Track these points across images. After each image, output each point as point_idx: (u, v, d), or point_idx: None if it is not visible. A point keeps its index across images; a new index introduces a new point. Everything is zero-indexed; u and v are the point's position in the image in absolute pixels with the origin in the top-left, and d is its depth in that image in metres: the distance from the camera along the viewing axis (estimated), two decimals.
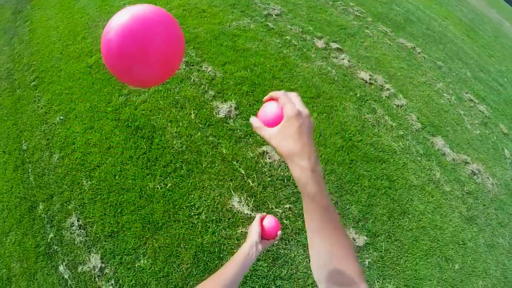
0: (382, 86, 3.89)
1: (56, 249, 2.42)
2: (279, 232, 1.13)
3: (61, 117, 3.19)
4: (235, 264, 0.91)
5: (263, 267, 2.26)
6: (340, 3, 5.38)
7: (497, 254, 2.88)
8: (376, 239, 2.56)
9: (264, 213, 1.18)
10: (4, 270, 2.42)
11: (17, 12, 5.12)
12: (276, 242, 2.38)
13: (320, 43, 4.20)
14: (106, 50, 0.48)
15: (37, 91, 3.57)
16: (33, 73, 3.81)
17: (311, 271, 2.14)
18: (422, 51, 4.94)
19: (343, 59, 4.07)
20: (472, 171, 3.41)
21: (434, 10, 7.17)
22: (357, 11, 5.34)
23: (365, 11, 5.44)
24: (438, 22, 6.54)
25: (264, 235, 1.11)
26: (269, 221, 1.15)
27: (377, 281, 2.36)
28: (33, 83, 3.69)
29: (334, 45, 4.24)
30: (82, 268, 2.29)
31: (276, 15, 4.53)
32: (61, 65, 3.76)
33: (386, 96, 3.76)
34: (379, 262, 2.45)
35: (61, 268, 2.32)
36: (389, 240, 2.59)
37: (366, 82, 3.85)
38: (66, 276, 2.28)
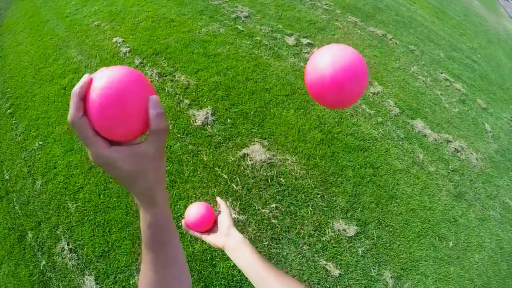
0: None
1: (50, 276, 2.40)
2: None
3: (40, 143, 3.15)
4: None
5: None
6: None
7: (489, 227, 2.94)
8: (367, 227, 2.59)
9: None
10: None
11: None
12: (267, 243, 2.39)
13: (291, 40, 4.23)
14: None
15: (13, 118, 3.53)
16: (8, 101, 3.76)
17: (305, 266, 2.15)
18: (393, 37, 5.01)
19: None
20: (455, 148, 3.47)
21: None
22: (325, 4, 5.39)
23: (333, 4, 5.50)
24: (407, 7, 6.64)
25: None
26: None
27: (373, 268, 2.39)
28: (9, 110, 3.64)
29: (305, 41, 4.27)
30: None
31: (244, 17, 4.55)
32: (35, 90, 3.72)
33: None
34: (372, 250, 2.48)
35: None
36: (380, 226, 2.62)
37: None
38: None
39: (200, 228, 0.90)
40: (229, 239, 0.85)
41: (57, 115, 3.35)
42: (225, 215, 0.92)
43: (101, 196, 2.67)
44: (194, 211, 0.91)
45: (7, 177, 3.04)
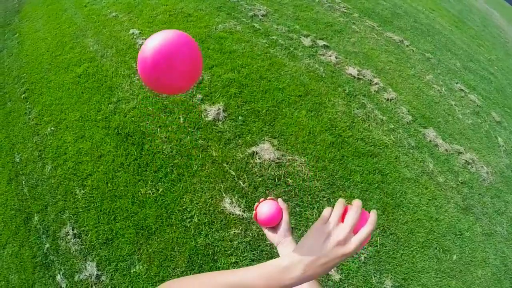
0: (370, 80, 3.90)
1: (53, 259, 2.43)
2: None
3: (52, 128, 3.20)
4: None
5: None
6: (326, 1, 5.39)
7: (495, 243, 2.88)
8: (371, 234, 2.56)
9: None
10: (3, 283, 2.43)
11: (5, 25, 5.13)
12: (269, 242, 2.38)
13: (307, 41, 4.21)
14: (142, 65, 0.63)
15: (27, 103, 3.58)
16: (23, 86, 3.82)
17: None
18: (410, 44, 4.95)
19: (330, 55, 4.08)
20: (466, 160, 3.41)
21: (421, 3, 7.18)
22: (343, 7, 5.35)
23: (352, 7, 5.45)
24: (426, 15, 6.55)
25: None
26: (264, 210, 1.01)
27: (374, 276, 2.36)
28: (23, 95, 3.70)
29: (321, 43, 4.25)
30: (79, 276, 2.30)
31: (262, 16, 4.54)
32: (51, 76, 3.77)
33: (375, 91, 3.77)
34: (375, 257, 2.45)
35: (58, 277, 2.33)
36: (384, 234, 2.59)
37: (355, 77, 3.86)
38: (63, 286, 2.29)
39: (267, 225, 0.99)
40: (284, 241, 0.95)
41: (70, 102, 3.39)
42: (286, 221, 1.00)
43: (109, 184, 2.69)
44: (267, 209, 0.99)
45: (17, 159, 3.09)
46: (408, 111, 3.65)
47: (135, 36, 4.05)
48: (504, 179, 3.49)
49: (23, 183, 2.91)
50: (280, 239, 0.97)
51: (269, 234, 1.00)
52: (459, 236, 2.78)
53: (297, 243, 0.82)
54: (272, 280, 0.54)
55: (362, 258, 2.41)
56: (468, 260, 2.66)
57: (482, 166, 3.46)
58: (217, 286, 0.56)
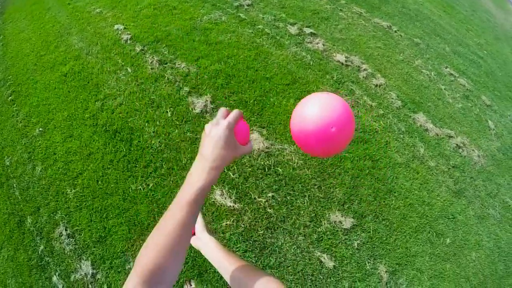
0: (359, 67, 3.88)
1: (48, 260, 2.44)
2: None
3: (40, 129, 3.17)
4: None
5: (250, 257, 2.28)
6: None
7: (488, 225, 2.90)
8: (363, 220, 2.57)
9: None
10: (0, 287, 2.42)
11: None
12: (262, 232, 2.39)
13: (293, 30, 4.18)
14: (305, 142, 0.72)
15: (14, 105, 3.54)
16: (10, 88, 3.77)
17: (299, 257, 2.15)
18: (398, 30, 4.93)
19: (317, 43, 4.05)
20: (457, 144, 3.42)
21: None
22: None
23: None
24: (414, 0, 6.52)
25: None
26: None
27: (368, 262, 2.38)
28: (10, 97, 3.65)
29: (307, 30, 4.21)
30: (75, 276, 2.31)
31: (247, 6, 4.49)
32: (37, 77, 3.73)
33: (363, 77, 3.76)
34: (368, 243, 2.47)
35: (54, 278, 2.34)
36: (377, 220, 2.61)
37: (343, 64, 3.84)
38: (60, 287, 2.31)
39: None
40: (200, 241, 0.98)
41: (57, 102, 3.35)
42: (198, 221, 1.03)
43: (99, 182, 2.68)
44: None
45: (7, 163, 3.06)
46: (398, 96, 3.65)
47: (119, 32, 3.99)
48: (495, 162, 3.52)
49: (14, 186, 2.89)
50: (196, 241, 1.00)
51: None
52: (452, 219, 2.81)
53: None
54: (191, 186, 0.63)
55: (356, 244, 2.43)
56: (461, 243, 2.69)
57: (473, 150, 3.48)
58: (169, 226, 0.62)
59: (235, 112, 0.67)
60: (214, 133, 0.65)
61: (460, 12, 7.33)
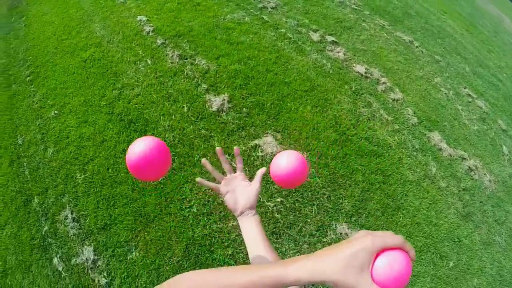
0: (378, 79, 3.86)
1: (51, 241, 2.44)
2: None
3: (55, 112, 3.19)
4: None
5: None
6: None
7: (493, 252, 2.85)
8: None
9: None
10: (0, 263, 2.43)
11: (12, 7, 5.10)
12: (267, 236, 2.37)
13: (315, 36, 4.17)
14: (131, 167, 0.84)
15: (32, 86, 3.58)
16: (29, 68, 3.81)
17: None
18: (420, 45, 4.89)
19: (338, 52, 4.03)
20: (469, 167, 3.37)
21: (433, 4, 7.09)
22: (354, 4, 5.28)
23: (363, 4, 5.38)
24: (437, 16, 6.46)
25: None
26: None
27: None
28: (28, 78, 3.69)
29: (329, 38, 4.20)
30: (76, 260, 2.31)
31: (271, 8, 4.49)
32: (56, 60, 3.76)
33: (382, 90, 3.73)
34: None
35: (55, 260, 2.34)
36: None
37: (362, 75, 3.81)
38: (60, 268, 2.30)
39: (286, 182, 0.97)
40: (248, 212, 0.92)
41: (75, 87, 3.38)
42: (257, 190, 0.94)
43: (110, 170, 2.69)
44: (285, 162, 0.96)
45: (20, 142, 3.09)
46: (414, 113, 3.61)
47: (142, 23, 4.02)
48: (506, 189, 3.45)
49: (25, 165, 2.91)
50: (246, 210, 0.90)
51: (230, 200, 0.92)
52: (457, 242, 2.76)
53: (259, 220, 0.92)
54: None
55: None
56: (464, 268, 2.64)
57: (485, 174, 3.43)
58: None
59: None
60: None
61: (482, 33, 7.26)
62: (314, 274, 0.45)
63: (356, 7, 5.22)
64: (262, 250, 0.85)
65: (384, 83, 3.83)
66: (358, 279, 0.43)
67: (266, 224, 2.42)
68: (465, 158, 3.44)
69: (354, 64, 3.94)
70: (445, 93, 4.22)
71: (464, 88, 4.55)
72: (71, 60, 3.68)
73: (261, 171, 0.95)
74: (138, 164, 0.81)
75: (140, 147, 0.83)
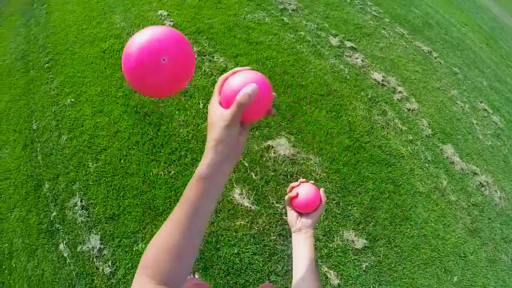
0: (394, 88, 3.83)
1: (58, 227, 2.47)
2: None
3: (72, 100, 3.23)
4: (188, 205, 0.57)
5: (258, 261, 2.26)
6: (358, 2, 5.29)
7: (498, 270, 2.80)
8: (376, 244, 2.52)
9: None
10: (6, 245, 2.47)
11: None
12: (274, 237, 2.37)
13: (334, 41, 4.15)
14: (126, 62, 0.58)
15: (50, 73, 3.62)
16: (48, 55, 3.86)
17: None
18: (438, 56, 4.84)
19: (356, 58, 4.01)
20: (480, 182, 3.32)
21: (454, 16, 7.01)
22: (375, 11, 5.25)
23: (383, 12, 5.35)
24: (457, 28, 6.38)
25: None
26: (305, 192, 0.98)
27: (373, 286, 2.33)
28: (47, 65, 3.74)
29: (348, 44, 4.18)
30: (82, 247, 2.33)
31: (292, 10, 4.49)
32: (76, 49, 3.81)
33: (398, 99, 3.70)
34: (376, 267, 2.42)
35: (61, 246, 2.37)
36: (389, 245, 2.55)
37: (379, 83, 3.79)
38: (65, 254, 2.33)
39: (304, 208, 0.97)
40: (307, 231, 0.95)
41: (93, 76, 3.42)
42: (320, 213, 1.00)
43: (122, 161, 2.71)
44: (311, 192, 0.97)
45: (34, 127, 3.13)
46: (429, 124, 3.57)
47: (162, 17, 4.04)
48: None
49: (38, 150, 2.95)
50: (303, 227, 0.95)
51: (293, 216, 0.98)
52: (463, 258, 2.72)
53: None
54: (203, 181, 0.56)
55: (364, 266, 2.38)
56: (468, 284, 2.59)
57: (495, 190, 3.37)
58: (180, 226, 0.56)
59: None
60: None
61: (502, 47, 7.15)
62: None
63: (376, 14, 5.19)
64: (306, 268, 0.87)
65: (400, 92, 3.80)
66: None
67: (273, 226, 2.42)
68: (476, 173, 3.39)
69: (372, 71, 3.91)
70: (461, 106, 4.17)
71: (480, 102, 4.49)
72: (90, 50, 3.72)
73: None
74: (141, 64, 0.55)
75: (146, 36, 0.56)
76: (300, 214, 0.98)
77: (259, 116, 0.62)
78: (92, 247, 2.32)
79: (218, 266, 2.22)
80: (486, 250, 2.86)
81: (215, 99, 0.60)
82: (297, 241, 0.93)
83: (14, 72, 3.80)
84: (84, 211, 2.50)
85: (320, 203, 0.97)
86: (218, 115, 0.56)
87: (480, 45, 6.29)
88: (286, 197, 0.98)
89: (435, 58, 4.79)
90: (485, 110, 4.41)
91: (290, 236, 2.35)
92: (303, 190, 0.97)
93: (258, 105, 0.59)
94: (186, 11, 4.16)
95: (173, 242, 0.55)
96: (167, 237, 0.55)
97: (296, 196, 0.96)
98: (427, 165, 3.18)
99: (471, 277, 2.63)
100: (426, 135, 3.45)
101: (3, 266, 2.38)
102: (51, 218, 2.52)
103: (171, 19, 3.98)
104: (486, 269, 2.74)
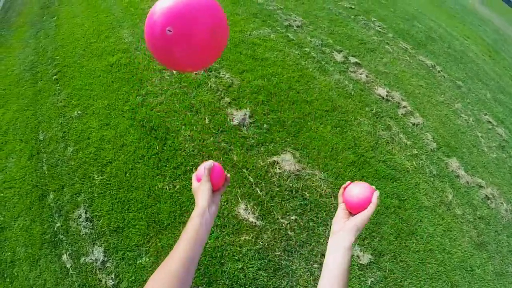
0: (399, 103, 3.84)
1: (62, 238, 2.47)
2: (228, 176, 1.00)
3: (79, 112, 3.27)
4: (187, 243, 0.75)
5: (263, 276, 2.25)
6: (362, 18, 5.36)
7: (505, 283, 2.76)
8: (381, 259, 2.50)
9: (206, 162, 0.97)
10: (9, 253, 2.48)
11: (45, 7, 5.30)
12: (279, 253, 2.36)
13: (339, 57, 4.19)
14: (150, 31, 0.52)
15: (58, 84, 3.68)
16: (56, 67, 3.92)
17: (311, 284, 2.10)
18: (442, 70, 4.86)
19: (361, 73, 4.05)
20: (486, 195, 3.30)
21: (456, 29, 7.06)
22: (379, 26, 5.31)
23: (387, 27, 5.40)
24: (460, 41, 6.43)
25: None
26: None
27: None
28: (55, 76, 3.79)
29: (353, 59, 4.22)
30: (85, 259, 2.33)
31: (297, 27, 4.55)
32: (83, 62, 3.87)
33: (402, 114, 3.72)
34: (382, 282, 2.39)
35: (64, 257, 2.37)
36: (395, 260, 2.53)
37: (383, 98, 3.81)
38: (68, 266, 2.32)
39: (354, 208, 0.86)
40: (349, 234, 0.82)
41: (100, 89, 3.46)
42: (368, 216, 0.86)
43: (127, 174, 2.73)
44: (366, 192, 0.86)
45: (41, 137, 3.17)
46: (433, 138, 3.57)
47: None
48: None
49: (44, 161, 2.98)
50: (346, 228, 0.82)
51: (339, 215, 0.88)
52: (469, 272, 2.69)
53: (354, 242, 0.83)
54: (195, 240, 0.78)
55: (369, 282, 2.36)
56: None
57: (502, 203, 3.35)
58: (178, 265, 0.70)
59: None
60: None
61: (505, 59, 7.18)
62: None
63: (380, 30, 5.25)
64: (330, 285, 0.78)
65: (404, 107, 3.81)
66: None
67: (278, 241, 2.41)
68: (482, 186, 3.37)
69: (376, 87, 3.94)
70: (465, 119, 4.17)
71: (485, 115, 4.49)
72: (98, 63, 3.78)
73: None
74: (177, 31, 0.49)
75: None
76: (349, 215, 0.89)
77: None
78: (96, 259, 2.31)
79: (222, 281, 2.20)
80: (493, 263, 2.82)
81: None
82: (331, 245, 0.83)
83: (22, 82, 3.86)
84: (89, 223, 2.51)
85: (370, 204, 0.86)
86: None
87: (483, 58, 6.32)
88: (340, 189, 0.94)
89: (439, 72, 4.82)
90: (490, 122, 4.41)
91: (295, 252, 2.36)
92: (357, 185, 0.89)
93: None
94: None
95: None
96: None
97: (347, 187, 0.91)
98: (432, 179, 3.17)
99: None
100: (431, 149, 3.44)
101: (5, 275, 2.38)
102: (55, 228, 2.53)
103: None
104: (493, 282, 2.71)
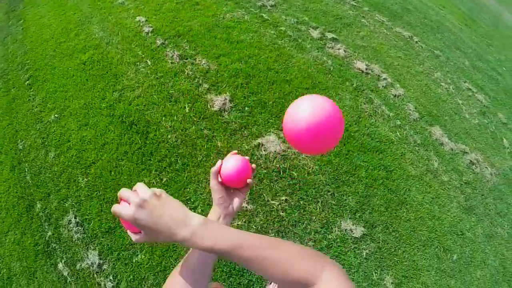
0: (378, 76, 3.85)
1: (55, 247, 2.44)
2: (249, 180, 0.86)
3: (56, 115, 3.18)
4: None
5: None
6: None
7: (495, 245, 2.85)
8: (374, 230, 2.54)
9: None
10: (5, 270, 2.43)
11: (10, 11, 5.09)
12: (273, 234, 2.37)
13: (315, 33, 4.16)
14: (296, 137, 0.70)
15: (31, 90, 3.56)
16: (27, 72, 3.79)
17: None
18: (419, 41, 4.88)
19: (339, 49, 4.03)
20: (471, 160, 3.37)
21: None
22: (353, 0, 5.27)
23: (361, 1, 5.36)
24: (436, 11, 6.45)
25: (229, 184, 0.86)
26: (228, 166, 0.86)
27: (375, 272, 2.35)
28: (27, 82, 3.67)
29: (329, 35, 4.19)
30: (81, 265, 2.31)
31: (270, 6, 4.48)
32: (55, 63, 3.75)
33: (383, 86, 3.73)
34: (376, 253, 2.44)
35: (60, 265, 2.34)
36: (387, 231, 2.57)
37: (363, 72, 3.81)
38: (65, 273, 2.30)
39: (231, 182, 0.86)
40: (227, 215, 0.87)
41: (75, 90, 3.37)
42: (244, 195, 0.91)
43: (112, 173, 2.68)
44: (239, 164, 0.86)
45: (20, 147, 3.08)
46: (415, 108, 3.61)
47: (141, 24, 4.00)
48: (507, 181, 3.45)
49: (26, 170, 2.91)
50: (226, 212, 0.85)
51: (220, 192, 0.87)
52: (460, 236, 2.76)
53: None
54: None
55: (364, 254, 2.40)
56: (468, 261, 2.64)
57: (486, 167, 3.42)
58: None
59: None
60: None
61: (481, 27, 7.25)
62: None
63: (355, 4, 5.21)
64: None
65: (384, 79, 3.82)
66: None
67: (271, 223, 2.42)
68: (466, 152, 3.43)
69: (355, 61, 3.94)
70: (445, 88, 4.21)
71: (464, 82, 4.54)
72: (70, 63, 3.67)
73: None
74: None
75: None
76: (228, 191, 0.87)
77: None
78: (91, 263, 2.29)
79: (220, 269, 2.21)
80: (482, 226, 2.91)
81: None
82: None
83: None
84: (80, 228, 2.47)
85: (249, 176, 0.86)
86: None
87: (459, 26, 6.37)
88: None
89: (416, 42, 4.84)
90: (470, 89, 4.47)
91: (289, 231, 2.37)
92: (232, 158, 0.87)
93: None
94: (164, 15, 4.12)
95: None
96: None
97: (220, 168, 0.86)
98: (417, 148, 3.22)
99: (470, 254, 2.68)
100: (414, 119, 3.48)
101: None
102: (47, 238, 2.49)
103: (150, 25, 3.94)
104: (484, 244, 2.79)
